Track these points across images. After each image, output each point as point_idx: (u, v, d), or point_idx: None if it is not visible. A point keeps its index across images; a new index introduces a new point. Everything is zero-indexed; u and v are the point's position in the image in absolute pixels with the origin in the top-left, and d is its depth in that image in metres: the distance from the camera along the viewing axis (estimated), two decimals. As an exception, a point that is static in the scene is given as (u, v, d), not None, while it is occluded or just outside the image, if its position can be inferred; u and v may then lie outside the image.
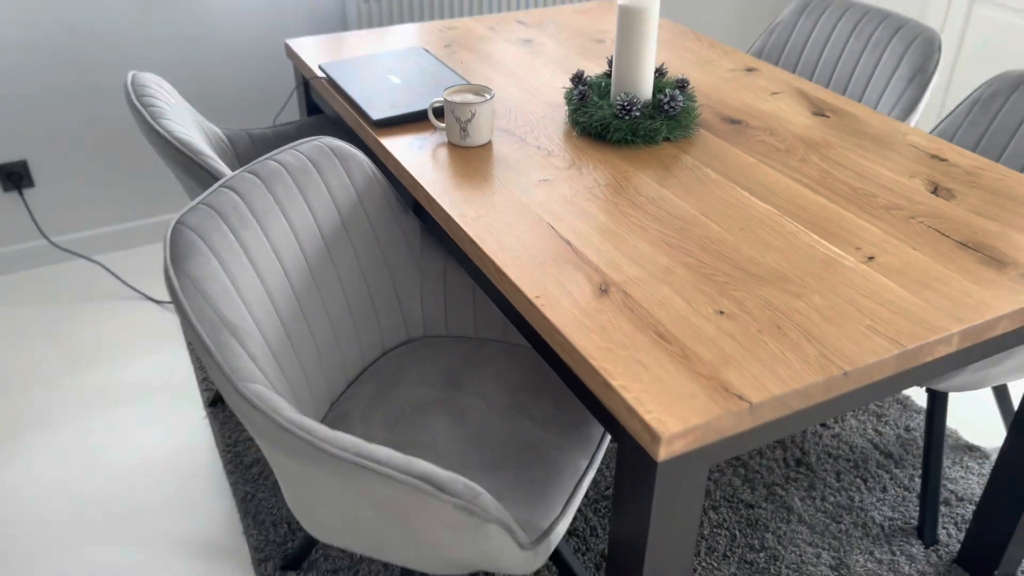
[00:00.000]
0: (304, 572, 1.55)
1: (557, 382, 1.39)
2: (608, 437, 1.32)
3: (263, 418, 1.06)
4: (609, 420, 0.99)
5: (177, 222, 1.13)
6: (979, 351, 1.10)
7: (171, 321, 2.22)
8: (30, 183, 2.33)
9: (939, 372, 1.08)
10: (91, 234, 2.45)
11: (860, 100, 1.97)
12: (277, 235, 1.26)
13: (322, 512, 1.15)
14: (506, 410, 1.33)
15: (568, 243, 1.19)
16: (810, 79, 2.08)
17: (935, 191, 1.34)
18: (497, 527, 1.04)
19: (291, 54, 1.90)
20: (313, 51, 1.86)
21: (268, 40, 2.45)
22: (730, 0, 3.11)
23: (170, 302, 2.28)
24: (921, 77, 1.85)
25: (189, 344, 2.12)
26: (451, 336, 1.51)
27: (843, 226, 1.24)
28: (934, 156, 1.44)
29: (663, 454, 0.89)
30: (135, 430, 1.88)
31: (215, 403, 1.93)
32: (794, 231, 1.22)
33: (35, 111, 2.26)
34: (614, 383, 0.94)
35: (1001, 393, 1.78)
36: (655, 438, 0.88)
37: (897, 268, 1.14)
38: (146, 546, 1.62)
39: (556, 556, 1.42)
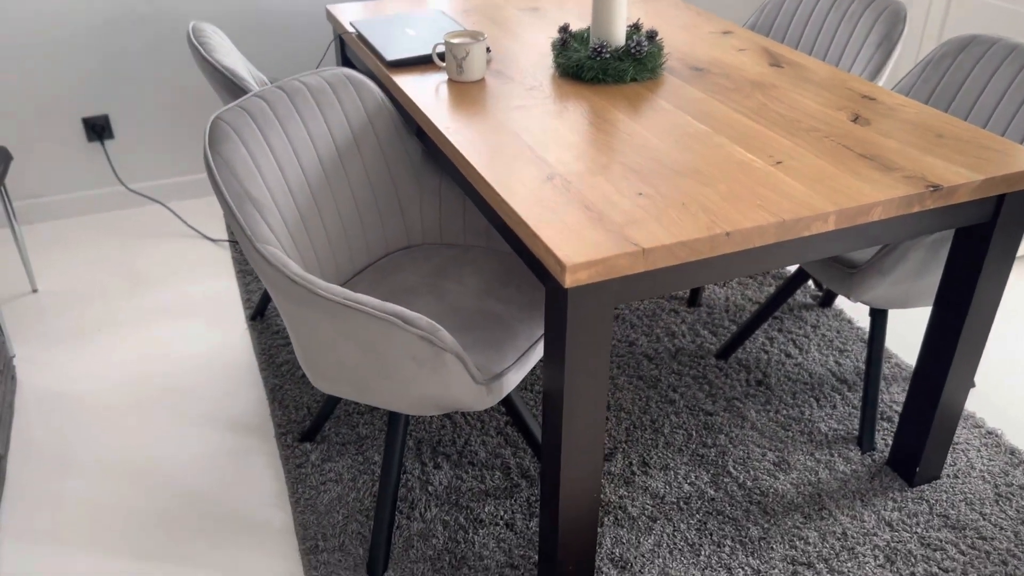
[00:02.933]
0: (317, 444, 1.83)
1: (524, 277, 1.65)
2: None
3: (275, 272, 1.34)
4: (541, 270, 1.25)
5: (216, 117, 1.42)
6: (857, 236, 1.32)
7: (224, 257, 2.54)
8: (110, 135, 2.68)
9: (821, 250, 1.31)
10: (160, 183, 2.80)
11: (836, 66, 2.18)
12: (296, 139, 1.55)
13: (321, 357, 1.43)
14: (479, 293, 1.59)
15: (529, 147, 1.45)
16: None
17: (855, 120, 1.55)
18: (453, 357, 1.30)
19: (330, 17, 2.21)
20: (349, 14, 2.17)
21: (314, 5, 2.77)
22: (749, -7, 3.33)
23: (225, 240, 2.61)
24: (887, 44, 2.06)
25: (238, 273, 2.43)
26: (444, 243, 1.78)
27: (764, 142, 1.47)
28: (865, 96, 1.66)
29: (569, 281, 1.14)
30: (187, 336, 2.20)
31: (255, 317, 2.23)
32: (720, 143, 1.46)
33: (116, 69, 2.61)
34: (539, 233, 1.19)
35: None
36: (563, 267, 1.13)
37: (798, 170, 1.37)
38: (188, 423, 1.92)
39: (509, 405, 1.66)
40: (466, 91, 1.69)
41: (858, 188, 1.31)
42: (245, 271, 2.43)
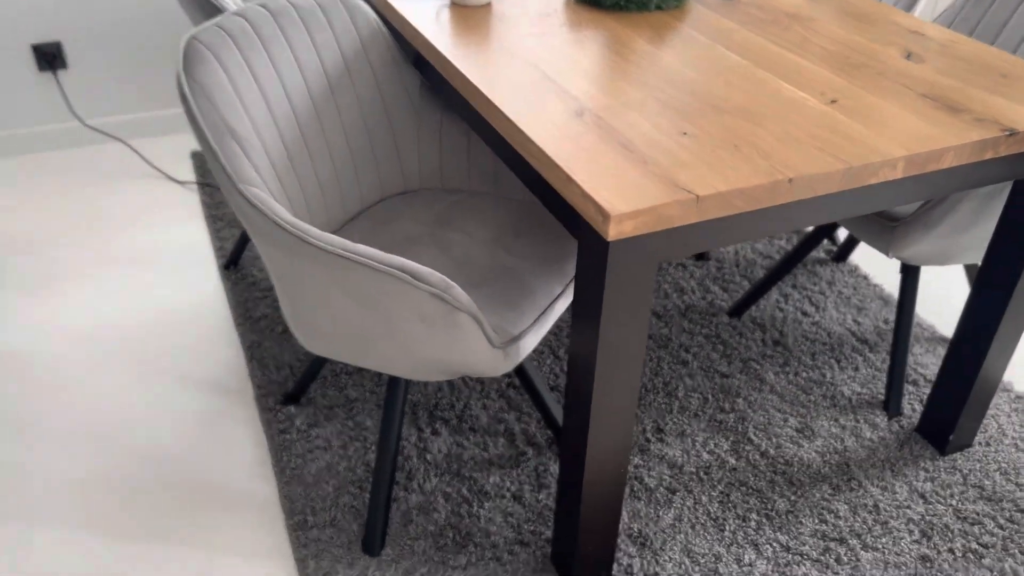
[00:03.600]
0: (302, 407, 1.67)
1: (537, 227, 1.49)
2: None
3: (261, 218, 1.16)
4: (572, 220, 1.09)
5: (191, 37, 1.23)
6: (922, 185, 1.18)
7: (192, 200, 2.33)
8: (63, 64, 2.44)
9: (884, 200, 1.16)
10: (121, 119, 2.57)
11: None
12: (282, 65, 1.36)
13: (313, 316, 1.26)
14: (489, 244, 1.43)
15: (550, 78, 1.27)
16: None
17: (908, 56, 1.40)
18: (468, 317, 1.14)
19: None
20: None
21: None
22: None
23: (193, 182, 2.40)
24: (920, -22, 1.90)
25: (208, 217, 2.24)
26: (445, 189, 1.61)
27: (812, 78, 1.31)
28: (914, 31, 1.51)
29: (613, 233, 0.98)
30: (153, 286, 2.01)
31: (229, 266, 2.04)
32: (764, 78, 1.30)
33: (71, -7, 2.37)
34: (575, 177, 1.03)
35: (970, 268, 1.85)
36: (605, 217, 0.97)
37: (856, 110, 1.21)
38: (157, 383, 1.75)
39: (521, 372, 1.51)
40: (471, 16, 1.50)
41: (926, 132, 1.16)
42: (216, 216, 2.24)
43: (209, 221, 2.22)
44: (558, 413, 1.55)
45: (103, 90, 2.52)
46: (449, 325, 1.15)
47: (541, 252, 1.42)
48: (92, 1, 2.40)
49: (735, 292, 2.02)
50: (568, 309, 1.93)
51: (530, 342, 1.27)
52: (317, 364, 1.63)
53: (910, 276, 1.67)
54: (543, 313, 1.30)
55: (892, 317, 1.96)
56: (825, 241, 2.22)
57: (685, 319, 1.94)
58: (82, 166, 2.47)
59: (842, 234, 2.25)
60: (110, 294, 1.98)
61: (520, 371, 1.51)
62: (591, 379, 1.12)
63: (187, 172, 2.46)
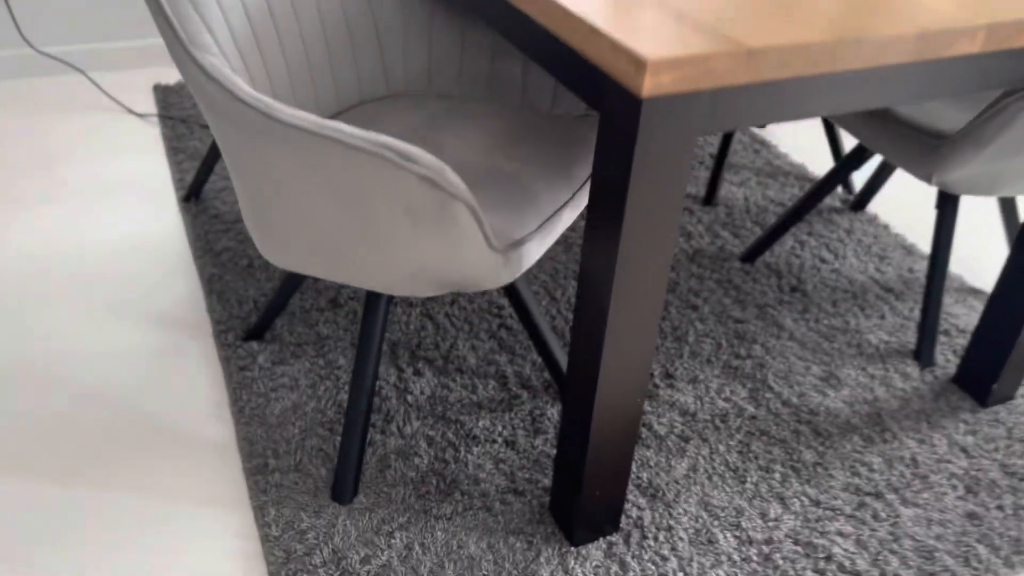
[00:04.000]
0: (266, 344, 1.48)
1: (539, 133, 1.30)
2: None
3: (218, 89, 0.98)
4: (593, 84, 0.90)
5: None
6: (1000, 66, 1.01)
7: (152, 134, 2.12)
8: (14, -16, 2.22)
9: (958, 84, 0.99)
10: (77, 48, 2.36)
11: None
12: (250, -71, 1.16)
13: (280, 219, 1.07)
14: (486, 148, 1.25)
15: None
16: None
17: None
18: (464, 208, 0.96)
19: None
20: None
21: None
22: None
23: (154, 114, 2.19)
24: None
25: (168, 150, 2.03)
26: (433, 94, 1.42)
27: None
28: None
29: (648, 86, 0.80)
30: (106, 217, 1.80)
31: (189, 198, 1.84)
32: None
33: (22, -98, 2.15)
34: (601, 27, 0.85)
35: (1008, 209, 1.70)
36: (640, 67, 0.79)
37: (920, -17, 1.04)
38: (108, 318, 1.54)
39: (519, 303, 1.33)
40: None
41: (1016, 3, 0.99)
42: (177, 148, 2.03)
43: (170, 154, 2.01)
44: (559, 353, 1.37)
45: (58, 15, 2.30)
46: (441, 218, 0.96)
47: (544, 158, 1.24)
48: (46, -87, 2.18)
49: (746, 238, 1.85)
50: (576, 227, 1.75)
51: (533, 251, 1.09)
52: (284, 295, 1.44)
53: (948, 209, 1.50)
54: (548, 220, 1.12)
55: (917, 266, 1.80)
56: (841, 190, 2.05)
57: (694, 263, 1.76)
58: (33, 96, 2.26)
59: (858, 181, 2.09)
60: (60, 226, 1.77)
61: (517, 300, 1.32)
62: (608, 288, 0.94)
63: (148, 105, 2.25)
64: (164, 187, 1.91)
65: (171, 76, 2.41)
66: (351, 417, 1.20)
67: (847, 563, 1.18)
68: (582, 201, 1.19)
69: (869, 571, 1.17)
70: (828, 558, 1.19)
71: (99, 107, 2.23)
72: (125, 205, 1.84)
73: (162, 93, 2.28)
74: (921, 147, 1.37)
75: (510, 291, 1.31)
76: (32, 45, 2.31)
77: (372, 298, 1.19)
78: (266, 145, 0.98)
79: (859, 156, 1.65)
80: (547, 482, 1.26)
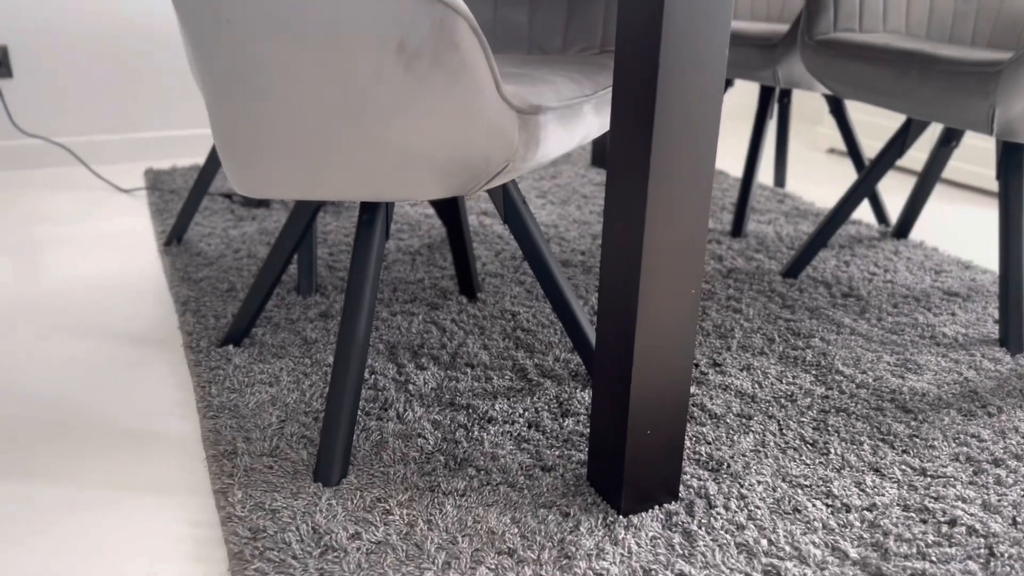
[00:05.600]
0: (244, 348, 1.26)
1: (554, 63, 1.17)
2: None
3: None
4: None
5: None
6: None
7: (139, 204, 2.00)
8: (8, 73, 2.19)
9: None
10: (69, 140, 2.29)
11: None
12: None
13: (255, 125, 0.91)
14: (506, 60, 1.10)
15: None
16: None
17: None
18: (466, 26, 0.80)
19: None
20: None
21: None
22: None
23: (140, 188, 2.08)
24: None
25: (153, 212, 1.90)
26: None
27: None
28: None
29: None
30: (86, 261, 1.64)
31: (170, 242, 1.69)
32: None
33: (23, -9, 2.16)
34: None
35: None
36: None
37: None
38: (75, 338, 1.35)
39: (542, 270, 1.12)
40: None
41: None
42: (163, 210, 1.90)
43: (155, 215, 1.88)
44: (589, 331, 1.15)
45: (51, 105, 2.26)
46: (440, 46, 0.80)
47: (562, 71, 1.09)
48: (47, 3, 2.19)
49: (783, 259, 1.67)
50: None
51: (553, 132, 0.92)
52: (261, 293, 1.24)
53: (1013, 166, 1.34)
54: (570, 105, 0.95)
55: (979, 278, 1.61)
56: (877, 223, 1.90)
57: (730, 279, 1.57)
58: (20, 181, 2.16)
59: (894, 208, 1.94)
60: (36, 266, 1.60)
61: (539, 264, 1.13)
62: (643, 184, 0.77)
63: (138, 184, 2.15)
64: (147, 238, 1.76)
65: (164, 163, 2.33)
66: (338, 375, 0.98)
67: (978, 526, 0.91)
68: (605, 110, 1.04)
69: (1008, 531, 0.90)
70: (951, 522, 0.92)
71: (89, 186, 2.12)
72: (105, 250, 1.68)
73: (152, 176, 2.18)
74: (977, 79, 1.23)
75: (507, 205, 1.12)
76: (23, 131, 2.24)
77: (367, 214, 1.00)
78: (242, 22, 0.84)
79: (903, 134, 1.51)
80: (582, 456, 1.01)
